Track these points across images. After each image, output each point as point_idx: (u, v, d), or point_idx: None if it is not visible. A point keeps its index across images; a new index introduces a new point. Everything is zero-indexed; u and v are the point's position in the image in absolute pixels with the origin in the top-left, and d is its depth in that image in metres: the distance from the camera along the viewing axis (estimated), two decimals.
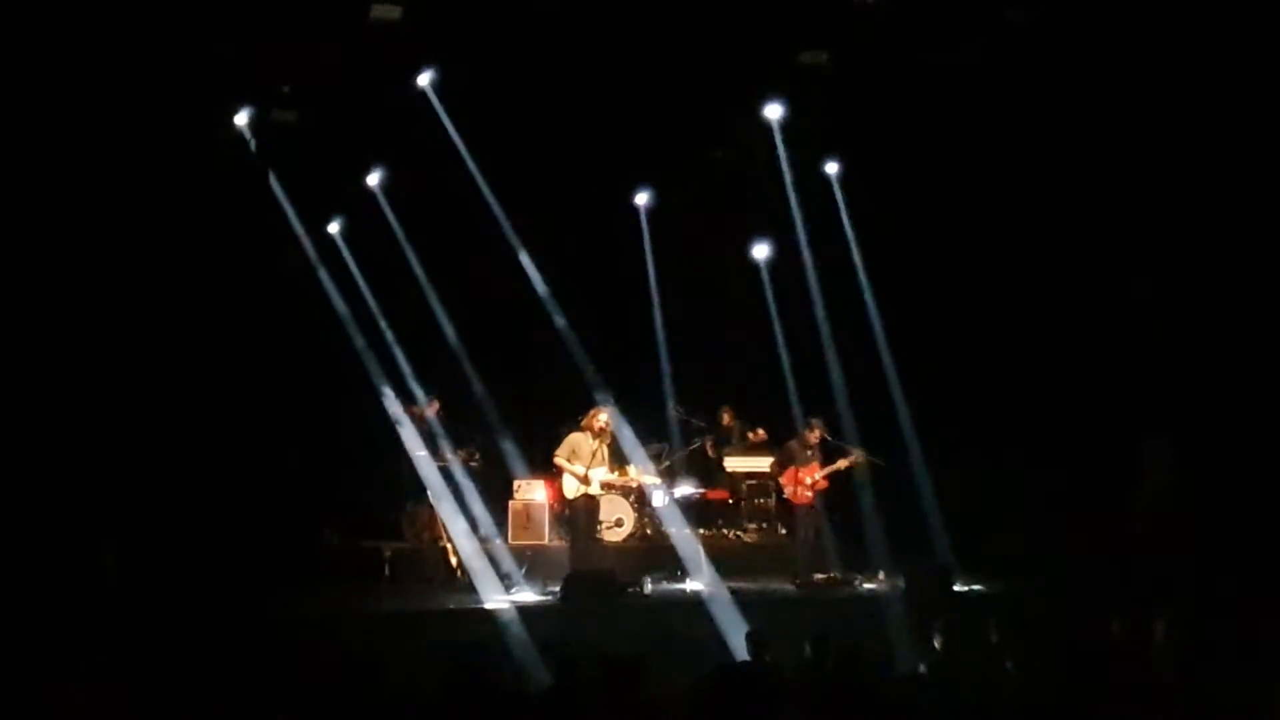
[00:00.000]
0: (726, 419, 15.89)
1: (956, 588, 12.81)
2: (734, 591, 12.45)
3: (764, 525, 15.25)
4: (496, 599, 12.36)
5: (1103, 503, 13.38)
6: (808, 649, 8.52)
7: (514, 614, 11.54)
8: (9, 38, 11.87)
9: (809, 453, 13.54)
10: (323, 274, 15.55)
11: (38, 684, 7.89)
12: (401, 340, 15.62)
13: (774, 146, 15.39)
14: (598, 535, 13.36)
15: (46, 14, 12.06)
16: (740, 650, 9.27)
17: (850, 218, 15.84)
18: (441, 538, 13.72)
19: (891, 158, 14.58)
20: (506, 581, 12.94)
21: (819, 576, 13.30)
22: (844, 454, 13.59)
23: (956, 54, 13.41)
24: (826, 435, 13.67)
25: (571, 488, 12.87)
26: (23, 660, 8.76)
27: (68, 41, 12.16)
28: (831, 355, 15.49)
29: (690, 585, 13.06)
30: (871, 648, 9.11)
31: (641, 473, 13.75)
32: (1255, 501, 12.39)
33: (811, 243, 15.83)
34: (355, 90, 14.06)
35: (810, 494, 13.41)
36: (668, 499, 14.20)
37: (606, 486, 13.26)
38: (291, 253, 15.24)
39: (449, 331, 15.74)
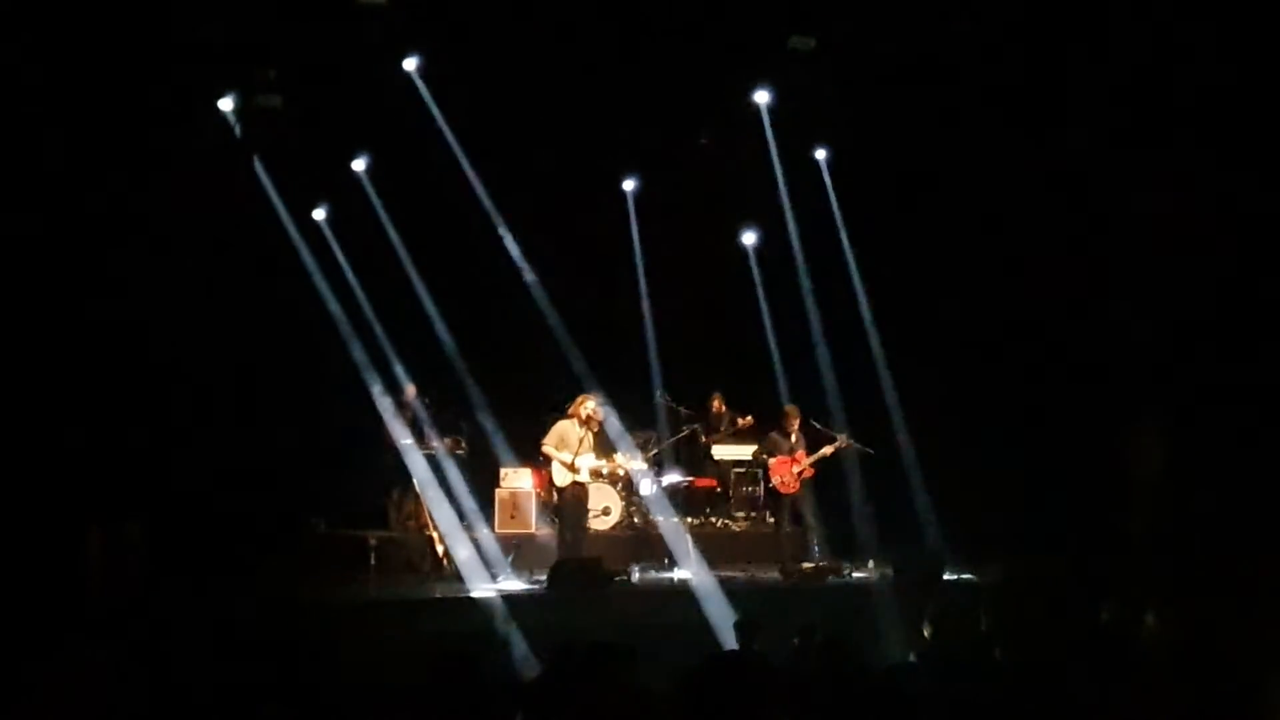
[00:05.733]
0: (717, 405, 15.82)
1: (946, 576, 12.79)
2: (722, 580, 12.43)
3: (752, 514, 15.20)
4: (483, 588, 12.31)
5: (1094, 490, 13.40)
6: (796, 638, 8.49)
7: (501, 603, 11.48)
8: None
9: (792, 440, 13.51)
10: (308, 261, 15.44)
11: (25, 670, 7.82)
12: (387, 327, 15.53)
13: (763, 132, 15.35)
14: (586, 524, 13.30)
15: None
16: (728, 639, 9.22)
17: (839, 204, 15.81)
18: (428, 526, 13.67)
19: (880, 143, 14.55)
20: (493, 570, 12.88)
21: (807, 565, 13.27)
22: (828, 440, 13.56)
23: (945, 39, 13.36)
24: (806, 422, 13.65)
25: (560, 476, 12.81)
26: (10, 646, 8.69)
27: (48, 24, 12.06)
28: (820, 342, 15.49)
29: (678, 574, 13.03)
30: (861, 636, 9.09)
31: (629, 459, 13.68)
32: (1247, 487, 12.40)
33: (800, 229, 15.82)
34: (341, 75, 13.96)
35: (797, 482, 13.38)
36: (655, 487, 14.15)
37: (595, 474, 13.20)
38: (276, 239, 15.13)
39: (435, 318, 15.66)
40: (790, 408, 13.80)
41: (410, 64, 14.62)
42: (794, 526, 13.55)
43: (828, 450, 13.52)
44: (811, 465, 13.45)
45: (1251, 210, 12.87)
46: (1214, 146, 12.91)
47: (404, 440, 14.33)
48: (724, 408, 15.74)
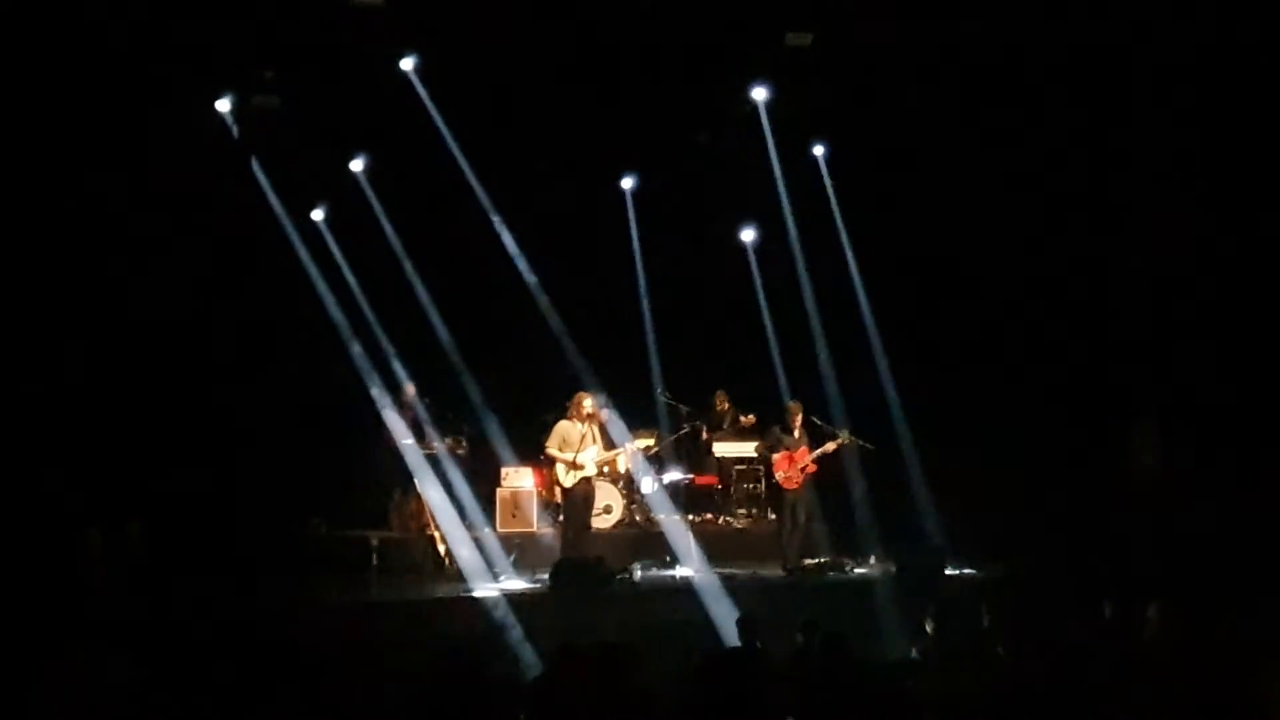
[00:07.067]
0: (720, 403, 15.78)
1: (948, 572, 12.80)
2: (724, 577, 12.44)
3: (754, 511, 15.19)
4: (485, 587, 12.30)
5: (1093, 485, 13.40)
6: (799, 634, 8.49)
7: (503, 602, 11.47)
8: None
9: (795, 435, 13.52)
10: (307, 261, 15.43)
11: (26, 670, 7.82)
12: (387, 327, 15.51)
13: (760, 129, 15.35)
14: (589, 523, 13.27)
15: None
16: (731, 636, 9.23)
17: (837, 200, 15.80)
18: (429, 526, 13.65)
19: (878, 139, 14.55)
20: (495, 570, 12.88)
21: (809, 561, 13.28)
22: (830, 436, 13.57)
23: (943, 34, 13.36)
24: (809, 417, 13.67)
25: (566, 476, 12.78)
26: (11, 647, 8.69)
27: (47, 24, 12.06)
28: (819, 338, 15.49)
29: (680, 572, 13.02)
30: (863, 632, 9.11)
31: (632, 442, 13.64)
32: (1244, 483, 12.40)
33: (799, 226, 15.81)
34: (338, 76, 13.96)
35: (800, 478, 13.39)
36: (656, 485, 14.14)
37: (600, 466, 13.17)
38: (275, 240, 15.12)
39: (435, 318, 15.64)
40: (793, 404, 13.80)
41: (408, 64, 14.62)
42: (796, 523, 13.55)
43: (830, 446, 13.52)
44: (814, 461, 13.45)
45: (1252, 208, 12.88)
46: (1215, 145, 12.92)
47: (405, 440, 14.31)
48: (728, 405, 15.71)
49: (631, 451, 13.67)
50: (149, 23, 12.45)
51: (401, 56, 14.56)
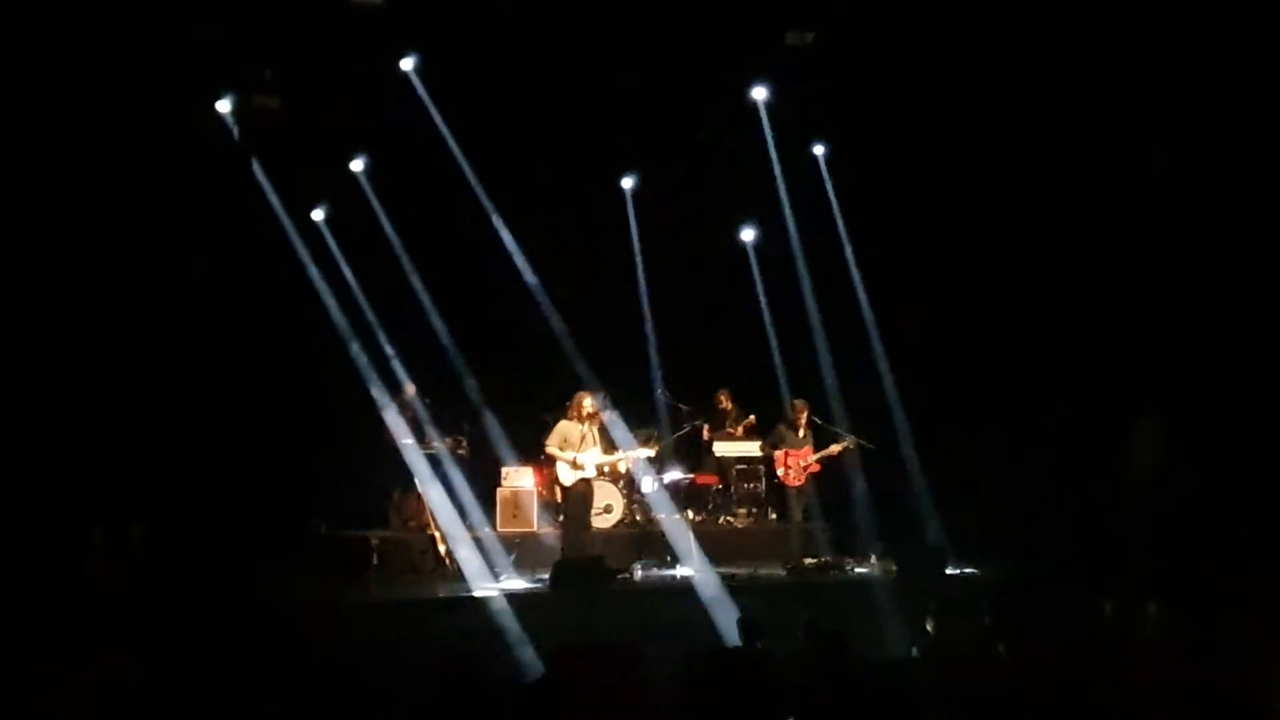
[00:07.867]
0: (722, 403, 15.75)
1: (948, 570, 12.81)
2: (724, 577, 12.44)
3: (754, 510, 15.19)
4: (485, 587, 12.30)
5: (1094, 485, 13.40)
6: (799, 634, 8.49)
7: (503, 602, 11.47)
8: None
9: (800, 435, 13.54)
10: (307, 261, 15.42)
11: (27, 670, 7.82)
12: (387, 327, 15.51)
13: (761, 128, 15.35)
14: (589, 522, 13.27)
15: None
16: (731, 636, 9.23)
17: (837, 199, 15.81)
18: (429, 526, 13.65)
19: (878, 139, 14.55)
20: (495, 570, 12.88)
21: (809, 561, 13.29)
22: (835, 438, 13.59)
23: (943, 34, 13.37)
24: (813, 417, 13.68)
25: (566, 475, 12.80)
26: (12, 647, 8.70)
27: (47, 25, 12.07)
28: (820, 338, 15.49)
29: (680, 571, 13.02)
30: (863, 631, 9.11)
31: (634, 450, 13.65)
32: (1244, 482, 12.41)
33: (799, 225, 15.81)
34: (338, 76, 13.96)
35: (803, 477, 13.42)
36: (657, 484, 14.15)
37: (600, 470, 13.19)
38: (276, 240, 15.12)
39: (435, 318, 15.64)
40: (798, 402, 13.84)
41: (408, 64, 14.62)
42: (797, 521, 13.57)
43: (835, 449, 13.58)
44: (818, 461, 13.48)
45: (1252, 203, 12.89)
46: (1214, 142, 12.93)
47: (405, 440, 14.31)
48: (730, 404, 15.68)
49: (634, 459, 13.69)
50: (149, 23, 12.45)
51: (401, 56, 14.56)
